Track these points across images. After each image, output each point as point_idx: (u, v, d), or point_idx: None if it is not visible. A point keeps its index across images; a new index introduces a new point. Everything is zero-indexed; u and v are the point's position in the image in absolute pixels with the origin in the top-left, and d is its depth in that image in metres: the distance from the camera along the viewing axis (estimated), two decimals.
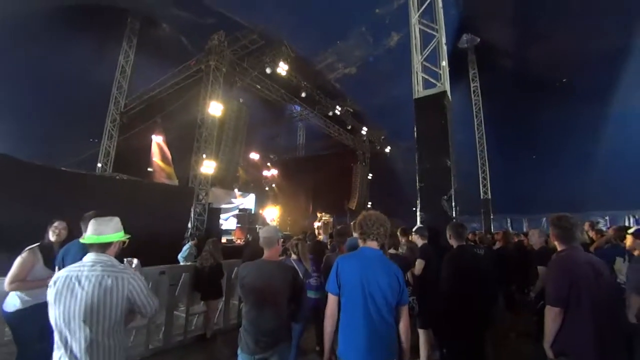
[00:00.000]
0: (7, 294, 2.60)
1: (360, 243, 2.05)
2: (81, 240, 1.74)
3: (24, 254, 2.62)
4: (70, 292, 1.51)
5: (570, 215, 2.14)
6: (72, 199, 5.75)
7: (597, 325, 1.85)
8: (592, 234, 5.37)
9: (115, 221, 1.78)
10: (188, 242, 7.23)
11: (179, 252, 7.01)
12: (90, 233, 1.68)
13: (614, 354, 1.86)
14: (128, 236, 1.83)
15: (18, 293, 2.56)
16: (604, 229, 6.09)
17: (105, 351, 1.52)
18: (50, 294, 1.53)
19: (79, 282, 1.52)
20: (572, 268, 1.98)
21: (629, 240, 3.26)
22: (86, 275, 1.54)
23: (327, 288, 1.95)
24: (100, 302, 1.51)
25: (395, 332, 1.88)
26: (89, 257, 1.63)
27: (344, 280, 1.89)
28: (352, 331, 1.82)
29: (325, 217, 15.67)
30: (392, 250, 3.69)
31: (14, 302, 2.56)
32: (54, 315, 1.51)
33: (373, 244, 1.99)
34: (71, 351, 1.47)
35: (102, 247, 1.67)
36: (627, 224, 13.09)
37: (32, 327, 2.42)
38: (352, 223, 3.07)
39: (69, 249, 2.56)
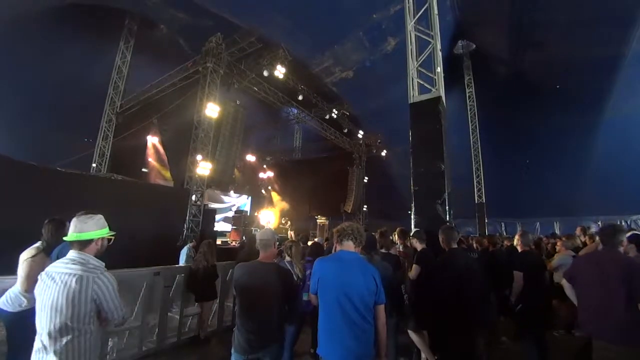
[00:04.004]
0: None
1: (338, 247, 2.14)
2: (64, 238, 1.74)
3: (36, 257, 2.57)
4: (45, 287, 1.57)
5: (617, 225, 2.71)
6: (67, 199, 5.74)
7: (591, 306, 2.46)
8: (584, 238, 5.46)
9: (97, 218, 1.77)
10: (186, 245, 7.19)
11: (174, 254, 6.97)
12: (72, 230, 1.70)
13: (605, 327, 2.34)
14: (112, 233, 1.82)
15: (24, 293, 2.52)
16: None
17: (65, 349, 1.52)
18: (36, 288, 1.62)
19: (53, 279, 1.58)
20: (578, 262, 2.85)
21: (623, 245, 3.37)
22: (58, 272, 1.59)
23: (311, 289, 2.11)
24: (61, 300, 1.53)
25: (374, 330, 1.97)
26: (69, 254, 1.67)
27: (321, 280, 2.00)
28: (333, 331, 1.90)
29: (321, 219, 15.70)
30: (383, 250, 3.71)
31: (18, 301, 2.51)
32: (36, 306, 1.59)
33: (349, 245, 2.08)
34: (42, 341, 1.53)
35: (82, 245, 1.68)
36: None
37: (33, 327, 2.40)
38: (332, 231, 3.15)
39: (63, 249, 2.53)
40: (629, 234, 3.53)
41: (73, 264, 1.62)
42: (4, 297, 2.57)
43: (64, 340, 1.52)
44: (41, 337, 1.54)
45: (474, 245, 6.43)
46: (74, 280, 1.56)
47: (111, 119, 13.68)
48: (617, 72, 12.38)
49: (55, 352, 1.50)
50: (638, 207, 14.09)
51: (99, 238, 1.74)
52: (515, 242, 4.03)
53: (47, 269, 1.64)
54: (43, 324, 1.54)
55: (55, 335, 1.52)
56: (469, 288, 2.87)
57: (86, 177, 8.45)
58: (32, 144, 10.90)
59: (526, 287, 3.40)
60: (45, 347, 1.52)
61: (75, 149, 12.72)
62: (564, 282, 2.80)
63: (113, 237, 1.84)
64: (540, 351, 3.35)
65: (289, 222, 14.66)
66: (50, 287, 1.56)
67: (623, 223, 14.66)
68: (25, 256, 2.60)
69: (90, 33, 12.17)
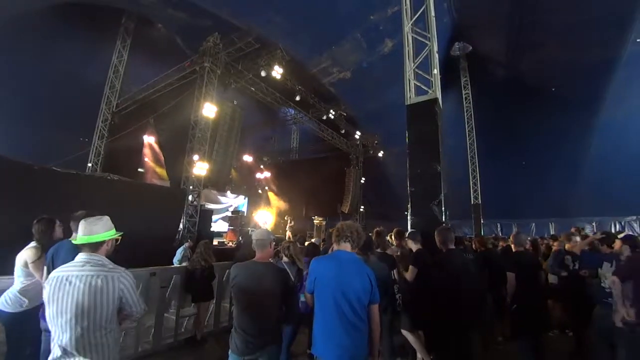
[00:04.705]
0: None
1: (335, 247, 2.19)
2: (73, 241, 1.75)
3: (42, 257, 2.58)
4: (62, 291, 1.55)
5: None
6: (63, 198, 5.70)
7: None
8: (579, 238, 5.52)
9: (105, 220, 1.80)
10: (182, 245, 7.17)
11: (170, 254, 6.95)
12: (81, 233, 1.70)
13: None
14: (120, 234, 1.85)
15: (23, 294, 2.53)
16: (590, 234, 6.25)
17: (95, 349, 1.53)
18: (46, 294, 1.59)
19: (70, 282, 1.56)
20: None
21: (617, 245, 3.44)
22: (76, 275, 1.57)
23: (307, 289, 2.12)
24: (89, 302, 1.53)
25: (368, 329, 2.00)
26: (80, 257, 1.66)
27: (318, 279, 2.02)
28: (329, 331, 1.92)
29: (318, 219, 15.69)
30: (379, 250, 3.72)
31: (19, 302, 2.52)
32: (49, 313, 1.56)
33: (347, 246, 2.12)
34: (64, 348, 1.51)
35: (93, 247, 1.69)
36: (613, 230, 13.42)
37: (31, 328, 2.40)
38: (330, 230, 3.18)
39: (58, 250, 2.51)
40: (622, 234, 3.63)
41: (90, 265, 1.62)
42: (2, 298, 2.56)
43: (94, 340, 1.53)
44: (62, 342, 1.51)
45: (474, 246, 6.45)
46: (99, 281, 1.57)
47: (107, 118, 13.61)
48: (612, 74, 12.52)
49: (85, 355, 1.50)
50: (632, 209, 14.25)
51: (109, 239, 1.77)
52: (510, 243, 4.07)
53: (58, 273, 1.61)
54: (65, 328, 1.52)
55: (84, 336, 1.51)
56: (466, 288, 2.90)
57: (82, 177, 8.41)
58: (28, 143, 10.83)
59: (521, 287, 3.41)
60: (68, 352, 1.50)
61: (72, 148, 12.63)
62: (615, 280, 2.73)
63: (120, 238, 1.87)
64: (536, 351, 3.37)
65: (292, 221, 14.59)
66: (69, 290, 1.55)
67: (617, 224, 14.85)
68: (31, 258, 2.59)
69: (87, 32, 12.12)
